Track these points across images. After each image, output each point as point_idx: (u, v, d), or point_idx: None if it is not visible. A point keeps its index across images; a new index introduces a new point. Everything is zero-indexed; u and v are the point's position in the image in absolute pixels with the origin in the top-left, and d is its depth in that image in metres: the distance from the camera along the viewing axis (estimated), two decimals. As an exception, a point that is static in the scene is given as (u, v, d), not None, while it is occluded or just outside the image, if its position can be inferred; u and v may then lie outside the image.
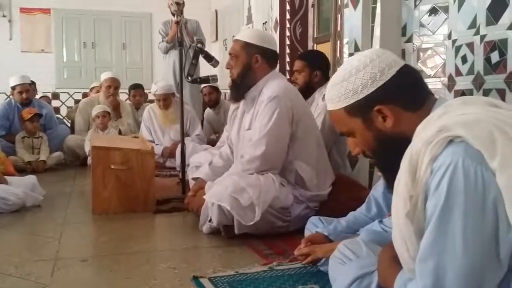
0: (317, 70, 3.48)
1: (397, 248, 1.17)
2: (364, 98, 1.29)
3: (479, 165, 1.01)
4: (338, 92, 1.33)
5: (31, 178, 3.52)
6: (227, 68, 2.82)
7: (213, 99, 5.95)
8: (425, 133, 1.11)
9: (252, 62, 2.74)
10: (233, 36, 7.26)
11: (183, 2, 5.82)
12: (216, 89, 5.93)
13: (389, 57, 1.32)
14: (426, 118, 1.17)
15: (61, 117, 7.77)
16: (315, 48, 5.20)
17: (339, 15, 4.11)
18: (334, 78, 1.36)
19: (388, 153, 1.30)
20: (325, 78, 3.56)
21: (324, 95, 3.44)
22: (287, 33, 5.32)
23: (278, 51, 2.93)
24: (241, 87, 2.78)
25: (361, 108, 1.30)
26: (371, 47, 3.17)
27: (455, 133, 1.05)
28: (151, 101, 5.87)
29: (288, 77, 4.70)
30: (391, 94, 1.28)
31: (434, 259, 1.04)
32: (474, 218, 1.01)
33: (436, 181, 1.04)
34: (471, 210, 1.01)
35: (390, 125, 1.28)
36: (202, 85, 5.91)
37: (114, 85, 5.68)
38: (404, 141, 1.20)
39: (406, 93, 1.29)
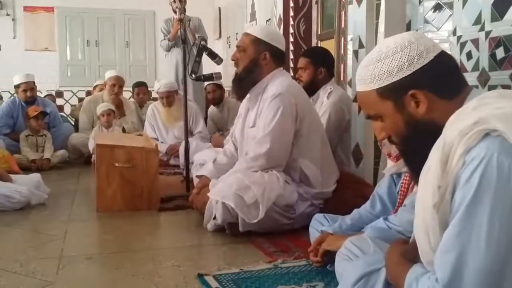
0: (321, 67, 3.46)
1: (418, 238, 1.15)
2: (399, 81, 1.24)
3: None
4: (371, 73, 1.28)
5: (35, 176, 3.52)
6: (233, 60, 2.81)
7: (216, 97, 5.94)
8: (459, 123, 1.08)
9: (260, 58, 2.74)
10: (237, 34, 7.29)
11: (185, 0, 5.81)
12: (220, 87, 5.93)
13: (428, 41, 1.27)
14: (460, 109, 1.14)
15: (65, 115, 7.79)
16: (319, 45, 5.19)
17: (343, 12, 4.10)
18: (368, 59, 1.31)
19: (417, 140, 1.26)
20: (330, 75, 3.55)
21: (329, 93, 3.43)
22: (291, 30, 5.30)
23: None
24: (245, 82, 2.78)
25: (395, 91, 1.25)
26: (375, 44, 3.16)
27: (492, 126, 1.02)
28: (155, 99, 5.88)
29: (292, 74, 4.69)
30: (427, 80, 1.23)
31: (456, 250, 1.02)
32: (502, 214, 0.99)
33: (468, 173, 1.02)
34: (500, 205, 0.99)
35: (423, 111, 1.24)
36: (206, 83, 5.91)
37: (118, 83, 5.68)
38: (434, 129, 1.18)
39: (442, 80, 1.24)
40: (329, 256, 1.94)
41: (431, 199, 1.08)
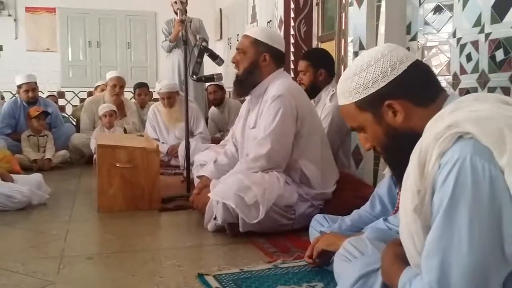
0: (321, 68, 3.47)
1: (404, 243, 1.17)
2: (375, 93, 1.29)
3: (487, 162, 1.01)
4: (349, 87, 1.34)
5: (37, 176, 3.54)
6: (233, 62, 2.83)
7: (218, 98, 5.96)
8: (435, 128, 1.11)
9: (260, 60, 2.75)
10: (238, 35, 7.31)
11: (187, 1, 5.83)
12: (221, 88, 5.94)
13: (401, 52, 1.31)
14: (437, 114, 1.17)
15: (67, 116, 7.80)
16: (319, 47, 5.20)
17: (343, 14, 4.11)
18: (346, 73, 1.36)
19: (398, 148, 1.30)
20: (330, 76, 3.55)
21: (331, 96, 3.43)
22: (292, 32, 5.32)
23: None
24: (246, 84, 2.79)
25: (372, 103, 1.30)
26: (376, 46, 3.17)
27: (465, 129, 1.05)
28: (156, 100, 5.89)
29: (292, 75, 4.70)
30: (402, 89, 1.28)
31: (439, 254, 1.04)
32: (480, 215, 1.01)
33: (443, 176, 1.04)
34: (478, 205, 1.01)
35: (401, 120, 1.28)
36: (207, 84, 5.92)
37: (119, 84, 5.69)
38: (413, 136, 1.20)
39: (417, 88, 1.28)
40: (324, 257, 1.95)
41: (411, 203, 1.11)
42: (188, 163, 3.64)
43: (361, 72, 1.31)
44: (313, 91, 3.42)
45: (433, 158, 1.07)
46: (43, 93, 6.92)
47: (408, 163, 1.17)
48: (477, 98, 1.18)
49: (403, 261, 1.26)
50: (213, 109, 6.15)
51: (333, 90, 3.46)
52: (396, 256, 1.31)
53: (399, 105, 1.27)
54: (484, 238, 1.01)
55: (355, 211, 2.09)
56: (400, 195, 1.90)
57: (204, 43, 3.64)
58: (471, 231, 1.01)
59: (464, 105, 1.14)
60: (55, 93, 8.33)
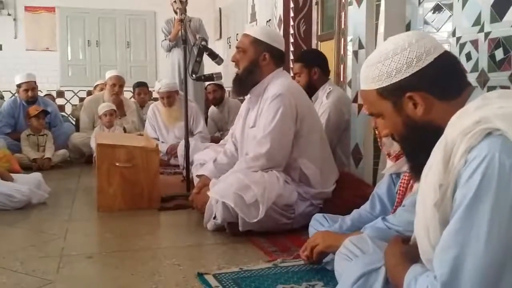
0: (314, 67, 3.49)
1: (419, 236, 1.16)
2: (397, 83, 1.26)
3: None
4: (372, 73, 1.31)
5: (36, 176, 3.54)
6: (233, 61, 2.83)
7: (217, 97, 5.96)
8: (462, 123, 1.08)
9: (260, 59, 2.75)
10: (237, 34, 7.31)
11: (187, 0, 5.83)
12: (220, 87, 5.94)
13: (429, 43, 1.27)
14: (462, 109, 1.15)
15: (66, 115, 7.80)
16: (319, 46, 5.21)
17: (343, 13, 4.11)
18: (370, 58, 1.33)
19: (415, 140, 1.29)
20: (325, 74, 3.56)
21: (328, 93, 3.45)
22: (291, 31, 5.32)
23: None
24: (246, 83, 2.79)
25: (393, 92, 1.27)
26: (375, 45, 3.17)
27: (494, 125, 1.03)
28: (156, 99, 5.89)
29: (292, 74, 4.70)
30: (425, 82, 1.24)
31: (455, 248, 1.02)
32: (503, 214, 0.99)
33: (469, 171, 1.02)
34: (501, 205, 0.99)
35: (421, 112, 1.25)
36: (206, 83, 5.92)
37: (119, 83, 5.69)
38: (432, 129, 1.20)
39: (441, 82, 1.25)
40: (320, 256, 1.96)
41: (432, 197, 1.09)
42: (188, 162, 3.64)
43: (386, 60, 1.28)
44: (310, 91, 3.42)
45: (459, 153, 1.05)
46: (42, 92, 6.90)
47: (424, 155, 1.15)
48: (503, 94, 1.15)
49: (408, 260, 1.26)
50: (212, 108, 6.15)
51: (329, 88, 3.47)
52: (400, 255, 1.30)
53: (420, 97, 1.24)
54: (503, 237, 0.99)
55: (355, 211, 2.09)
56: (400, 192, 1.92)
57: (203, 42, 3.63)
58: (490, 228, 0.99)
59: (491, 101, 1.12)
60: (54, 93, 8.34)
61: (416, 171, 1.28)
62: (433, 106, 1.24)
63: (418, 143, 1.27)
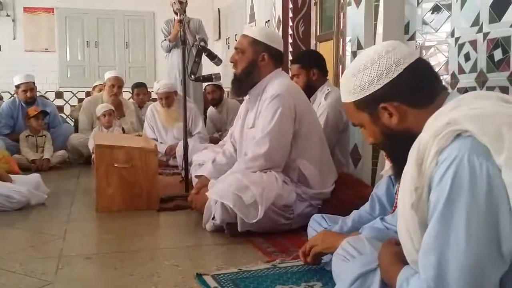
0: (313, 68, 3.48)
1: (402, 239, 1.18)
2: (370, 95, 1.31)
3: (485, 160, 1.01)
4: (348, 86, 1.36)
5: (35, 177, 3.53)
6: (231, 62, 2.83)
7: (216, 98, 5.96)
8: (434, 125, 1.11)
9: (258, 60, 2.75)
10: (236, 35, 7.31)
11: (186, 1, 5.83)
12: (219, 88, 5.95)
13: (399, 53, 1.30)
14: (437, 111, 1.17)
15: (65, 116, 7.80)
16: (317, 46, 5.21)
17: (341, 13, 4.11)
18: (347, 71, 1.38)
19: (394, 147, 1.33)
20: (324, 75, 3.56)
21: (326, 94, 3.45)
22: (290, 31, 5.32)
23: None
24: (244, 83, 2.79)
25: (368, 104, 1.32)
26: (374, 45, 3.17)
27: (463, 127, 1.05)
28: (155, 100, 5.90)
29: (290, 75, 4.70)
30: (397, 92, 1.28)
31: (436, 252, 1.04)
32: (478, 213, 1.01)
33: (440, 173, 1.04)
34: (475, 204, 1.01)
35: (396, 121, 1.29)
36: (205, 84, 5.92)
37: (118, 84, 5.70)
38: (410, 136, 1.22)
39: (413, 90, 1.28)
40: (318, 256, 1.96)
41: (408, 199, 1.11)
42: (187, 163, 3.64)
43: (358, 73, 1.33)
44: (308, 91, 3.42)
45: (431, 155, 1.07)
46: (40, 92, 6.90)
47: (403, 160, 1.18)
48: (478, 96, 1.18)
49: (401, 261, 1.27)
50: (211, 109, 6.15)
51: (328, 89, 3.47)
52: (393, 256, 1.31)
53: (394, 107, 1.28)
54: (481, 236, 1.01)
55: (355, 212, 2.08)
56: (398, 194, 1.92)
57: (202, 43, 3.64)
58: (468, 229, 1.01)
59: (464, 102, 1.14)
60: (52, 94, 8.33)
61: (397, 176, 1.31)
62: (407, 114, 1.28)
63: (397, 150, 1.31)
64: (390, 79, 1.28)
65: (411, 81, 1.28)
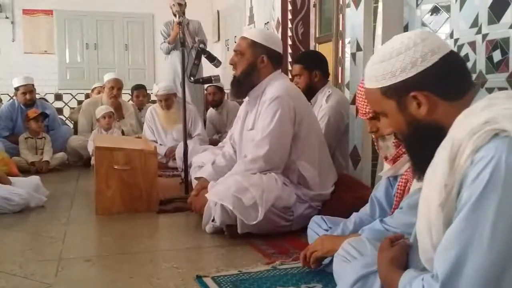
0: (315, 70, 3.48)
1: (420, 235, 1.15)
2: (401, 82, 1.25)
3: None
4: (376, 72, 1.30)
5: (34, 179, 3.53)
6: (231, 64, 2.83)
7: (217, 99, 5.97)
8: (469, 123, 1.08)
9: (258, 62, 2.76)
10: (235, 37, 7.31)
11: (185, 3, 5.83)
12: (220, 89, 5.95)
13: (434, 42, 1.26)
14: (468, 109, 1.14)
15: (64, 118, 7.79)
16: (316, 48, 5.21)
17: (340, 15, 4.12)
18: (375, 57, 1.33)
19: (418, 139, 1.28)
20: (325, 77, 3.56)
21: (327, 96, 3.44)
22: (289, 33, 5.32)
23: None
24: (244, 85, 2.80)
25: (397, 91, 1.27)
26: (373, 47, 3.17)
27: (502, 126, 1.03)
28: (154, 102, 5.90)
29: (290, 76, 4.70)
30: (429, 82, 1.23)
31: (457, 248, 1.02)
32: (507, 215, 0.99)
33: (476, 172, 1.02)
34: (506, 206, 0.99)
35: (424, 112, 1.24)
36: (207, 85, 5.92)
37: (117, 86, 5.70)
38: (436, 129, 1.20)
39: (445, 82, 1.24)
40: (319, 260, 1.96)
41: (437, 197, 1.08)
42: (186, 165, 3.64)
43: (390, 59, 1.27)
44: (309, 93, 3.42)
45: (466, 153, 1.04)
46: (39, 94, 6.90)
47: (428, 154, 1.15)
48: (509, 96, 1.14)
49: (398, 267, 1.27)
50: (211, 110, 6.15)
51: (329, 91, 3.47)
52: (391, 262, 1.31)
53: (424, 97, 1.23)
54: (506, 238, 0.99)
55: (355, 215, 2.08)
56: (397, 195, 1.92)
57: (201, 45, 3.64)
58: (494, 229, 0.99)
59: (499, 102, 1.11)
60: (51, 96, 8.32)
61: (418, 170, 1.27)
62: (437, 106, 1.24)
63: (421, 142, 1.26)
64: (424, 67, 1.23)
65: (444, 72, 1.24)
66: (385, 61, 1.28)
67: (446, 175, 1.07)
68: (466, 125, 1.08)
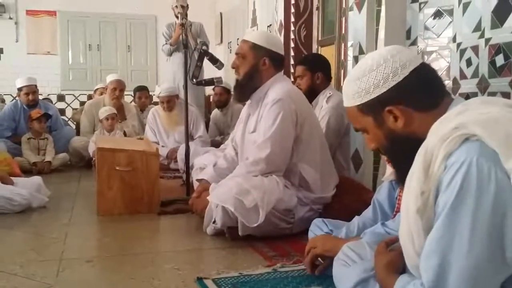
0: (318, 72, 3.49)
1: (403, 242, 1.17)
2: (376, 98, 1.30)
3: (493, 165, 1.01)
4: (352, 90, 1.34)
5: (36, 179, 3.54)
6: (233, 68, 2.83)
7: (222, 100, 5.97)
8: (441, 129, 1.10)
9: (260, 64, 2.76)
10: (238, 39, 7.32)
11: (188, 5, 5.83)
12: (227, 91, 5.96)
13: (404, 57, 1.30)
14: (443, 116, 1.17)
15: (67, 119, 7.81)
16: (319, 51, 5.21)
17: (343, 18, 4.11)
18: (350, 75, 1.37)
19: (399, 151, 1.32)
20: (328, 79, 3.57)
21: (328, 98, 3.45)
22: (292, 36, 5.32)
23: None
24: (246, 88, 2.80)
25: (373, 108, 1.31)
26: (376, 50, 3.17)
27: (471, 131, 1.05)
28: (156, 103, 5.90)
29: (292, 79, 4.71)
30: (402, 95, 1.27)
31: (439, 255, 1.04)
32: (483, 218, 1.00)
33: (449, 177, 1.04)
34: (481, 209, 1.00)
35: (401, 125, 1.28)
36: (215, 85, 5.91)
37: (119, 87, 5.71)
38: (415, 140, 1.21)
39: (418, 94, 1.28)
40: (325, 264, 1.95)
41: (413, 204, 1.11)
42: (188, 167, 3.64)
43: (363, 77, 1.32)
44: (311, 95, 3.42)
45: (438, 159, 1.07)
46: (41, 95, 6.91)
47: (407, 165, 1.18)
48: (484, 101, 1.18)
49: (394, 271, 1.28)
50: (216, 111, 6.15)
51: (330, 93, 3.47)
52: (386, 267, 1.32)
53: (399, 111, 1.28)
54: (485, 241, 1.00)
55: (359, 219, 2.07)
56: (400, 198, 1.92)
57: (204, 47, 3.64)
58: (472, 232, 1.01)
59: (471, 107, 1.14)
60: (54, 96, 8.34)
61: (401, 180, 1.30)
62: (413, 117, 1.28)
63: (401, 154, 1.30)
64: (396, 82, 1.28)
65: (416, 84, 1.28)
66: (359, 79, 1.33)
67: (422, 182, 1.10)
68: (439, 132, 1.10)
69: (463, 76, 2.81)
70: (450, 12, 2.93)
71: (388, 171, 2.05)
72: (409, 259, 1.16)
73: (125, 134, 5.46)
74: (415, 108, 1.27)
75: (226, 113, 6.01)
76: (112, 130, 5.31)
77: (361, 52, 3.28)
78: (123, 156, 3.19)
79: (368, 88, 1.30)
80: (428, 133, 1.16)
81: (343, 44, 4.16)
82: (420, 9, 3.10)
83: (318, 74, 3.48)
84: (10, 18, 8.60)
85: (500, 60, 2.54)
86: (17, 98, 5.79)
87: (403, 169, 1.23)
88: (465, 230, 1.01)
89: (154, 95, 6.01)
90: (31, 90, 5.44)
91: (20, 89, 5.46)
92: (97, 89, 6.80)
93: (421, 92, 1.28)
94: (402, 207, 1.18)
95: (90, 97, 7.87)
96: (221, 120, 6.05)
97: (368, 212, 2.07)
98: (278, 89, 2.71)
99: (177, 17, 5.78)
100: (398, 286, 1.19)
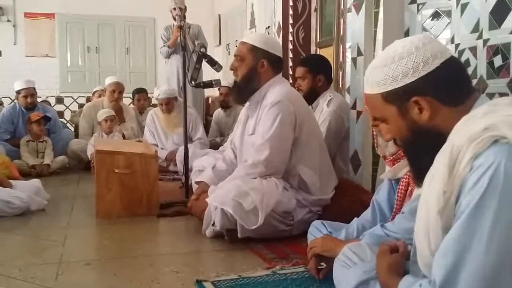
0: (320, 74, 3.47)
1: (418, 241, 1.15)
2: (403, 87, 1.24)
3: None
4: (377, 77, 1.28)
5: (35, 182, 3.53)
6: (231, 70, 2.83)
7: (227, 100, 5.96)
8: (468, 129, 1.07)
9: (258, 66, 2.76)
10: (236, 41, 7.33)
11: (186, 7, 5.84)
12: (233, 92, 5.93)
13: (436, 47, 1.25)
14: (468, 114, 1.14)
15: (65, 121, 7.80)
16: (317, 53, 5.21)
17: (341, 20, 4.12)
18: (376, 62, 1.31)
19: (419, 145, 1.27)
20: (329, 82, 3.56)
21: (329, 101, 3.44)
22: (290, 38, 5.33)
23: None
24: (245, 90, 2.80)
25: (398, 97, 1.25)
26: (374, 52, 3.18)
27: (502, 133, 1.02)
28: (155, 105, 5.90)
29: (290, 81, 4.71)
30: (431, 87, 1.22)
31: (455, 254, 1.02)
32: (505, 222, 0.99)
33: (475, 178, 1.02)
34: (504, 213, 0.99)
35: (426, 117, 1.23)
36: (220, 85, 5.89)
37: (118, 89, 5.70)
38: (436, 134, 1.19)
39: (447, 87, 1.23)
40: (329, 267, 1.94)
41: (435, 204, 1.08)
42: (187, 169, 3.64)
43: (392, 64, 1.25)
44: (311, 97, 3.42)
45: (465, 159, 1.04)
46: (40, 97, 6.91)
47: (427, 160, 1.15)
48: (511, 102, 1.14)
49: (397, 273, 1.27)
50: (219, 111, 6.13)
51: (330, 96, 3.47)
52: (389, 269, 1.31)
53: (426, 102, 1.22)
54: (504, 244, 0.99)
55: (358, 221, 2.07)
56: (399, 199, 1.91)
57: (202, 49, 3.64)
58: (491, 235, 0.99)
59: (499, 108, 1.11)
60: (52, 99, 8.34)
61: (418, 176, 1.27)
62: (439, 111, 1.23)
63: (421, 148, 1.26)
64: (426, 72, 1.22)
65: (446, 77, 1.23)
66: (386, 65, 1.26)
67: (445, 181, 1.07)
68: (466, 131, 1.07)
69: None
70: (448, 13, 2.94)
71: (387, 168, 2.05)
72: (423, 258, 1.14)
73: (123, 137, 5.45)
74: (441, 101, 1.22)
75: (230, 114, 6.00)
76: (111, 132, 5.30)
77: (359, 53, 3.29)
78: (121, 158, 3.19)
79: (396, 75, 1.24)
80: (451, 131, 1.13)
81: (341, 46, 4.18)
82: (418, 10, 3.10)
83: (319, 77, 3.47)
84: (9, 21, 8.61)
85: (498, 61, 2.54)
86: (15, 100, 5.78)
87: (421, 164, 1.21)
88: (484, 232, 0.99)
89: (152, 97, 6.00)
90: (30, 92, 5.43)
91: (18, 92, 5.45)
92: (96, 91, 6.79)
93: (450, 86, 1.23)
94: (421, 205, 1.15)
95: (88, 99, 7.86)
96: (224, 120, 6.04)
97: (367, 214, 2.07)
98: (277, 91, 2.71)
99: (175, 19, 5.81)
100: (402, 286, 1.18)
